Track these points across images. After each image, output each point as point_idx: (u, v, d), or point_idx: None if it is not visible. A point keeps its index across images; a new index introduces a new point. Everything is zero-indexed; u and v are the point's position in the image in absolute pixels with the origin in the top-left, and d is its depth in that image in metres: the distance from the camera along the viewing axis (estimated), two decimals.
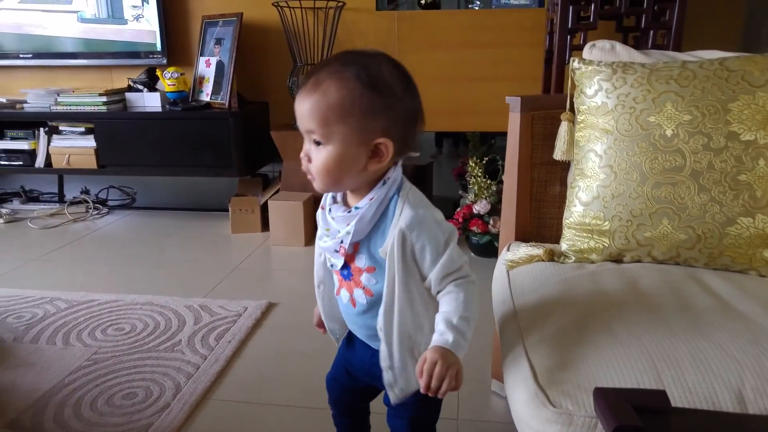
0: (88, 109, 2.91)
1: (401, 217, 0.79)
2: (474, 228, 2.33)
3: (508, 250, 1.23)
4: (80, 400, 1.45)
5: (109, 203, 3.36)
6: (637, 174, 1.06)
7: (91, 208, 3.23)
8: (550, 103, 1.30)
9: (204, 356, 1.66)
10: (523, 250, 1.18)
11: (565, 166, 1.28)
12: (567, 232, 1.14)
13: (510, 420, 1.36)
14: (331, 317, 1.00)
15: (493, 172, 2.45)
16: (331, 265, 0.89)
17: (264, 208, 2.82)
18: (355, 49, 0.80)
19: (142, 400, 1.45)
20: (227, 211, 2.88)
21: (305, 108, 0.76)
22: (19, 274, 2.35)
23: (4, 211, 3.14)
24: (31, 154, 3.00)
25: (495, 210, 2.33)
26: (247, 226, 2.86)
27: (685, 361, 0.73)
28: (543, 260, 1.13)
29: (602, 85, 1.14)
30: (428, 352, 0.78)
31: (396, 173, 0.82)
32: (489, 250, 2.36)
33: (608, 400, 0.58)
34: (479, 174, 2.38)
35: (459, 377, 0.78)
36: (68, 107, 2.94)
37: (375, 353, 0.89)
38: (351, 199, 0.85)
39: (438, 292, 0.83)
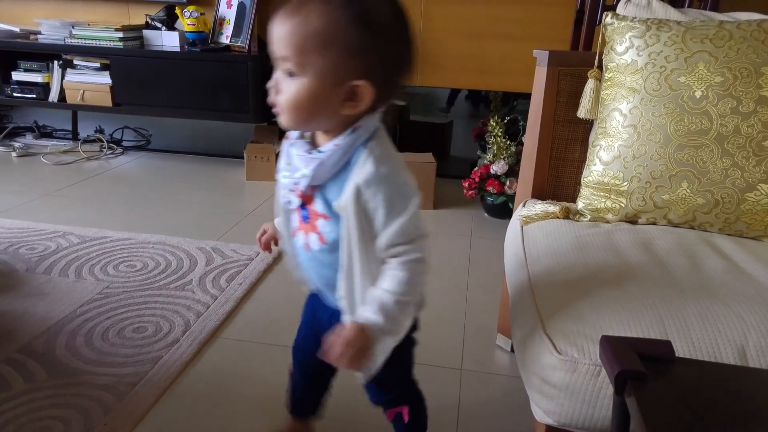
0: (103, 44, 2.86)
1: (361, 170, 0.71)
2: (490, 188, 2.32)
3: (523, 206, 1.22)
4: (92, 331, 1.48)
5: (124, 144, 3.36)
6: (661, 135, 1.03)
7: (105, 148, 3.24)
8: (578, 59, 1.26)
9: (214, 296, 1.68)
10: (539, 206, 1.17)
11: (587, 125, 1.25)
12: (584, 191, 1.13)
13: (513, 373, 1.39)
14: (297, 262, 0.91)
15: (514, 134, 2.42)
16: (288, 202, 0.82)
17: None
18: None
19: (152, 335, 1.48)
20: (242, 157, 2.88)
21: (282, 31, 0.68)
22: (33, 207, 2.38)
23: (17, 144, 3.15)
24: (45, 87, 2.98)
25: (512, 171, 2.30)
26: (262, 174, 2.86)
27: (692, 317, 0.73)
28: (558, 217, 1.12)
29: (634, 42, 1.10)
30: (348, 329, 0.72)
31: (369, 122, 0.73)
32: (503, 210, 2.35)
33: (613, 347, 0.58)
34: (499, 134, 2.35)
35: (362, 363, 0.72)
36: (83, 41, 2.88)
37: (334, 313, 0.83)
38: (320, 138, 0.77)
39: (384, 262, 0.76)
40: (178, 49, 2.84)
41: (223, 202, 2.56)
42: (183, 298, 1.66)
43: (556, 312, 0.79)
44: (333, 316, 0.84)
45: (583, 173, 1.14)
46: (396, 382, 0.94)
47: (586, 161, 1.15)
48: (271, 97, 0.72)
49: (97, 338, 1.45)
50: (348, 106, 0.71)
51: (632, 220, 1.10)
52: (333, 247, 0.78)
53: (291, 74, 0.69)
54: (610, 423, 0.60)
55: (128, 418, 1.18)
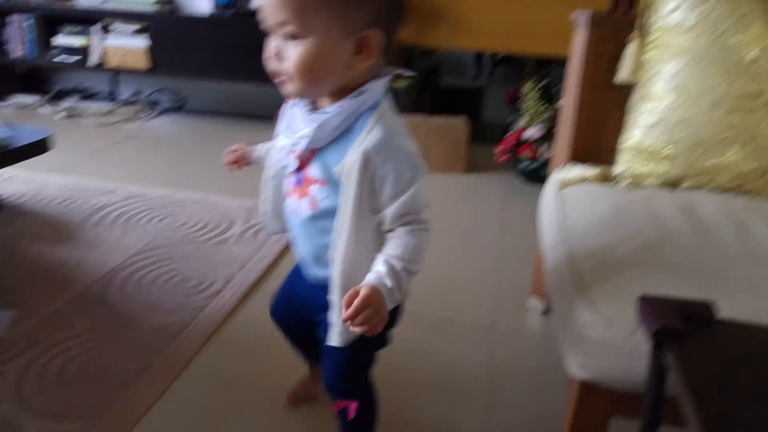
0: (139, 8, 2.91)
1: (369, 136, 0.69)
2: (524, 153, 2.32)
3: (560, 170, 1.23)
4: (141, 280, 1.57)
5: (160, 106, 3.43)
6: (710, 98, 1.03)
7: (143, 109, 3.31)
8: (618, 22, 1.25)
9: (255, 250, 1.75)
10: (577, 170, 1.18)
11: (627, 91, 1.24)
12: (624, 156, 1.13)
13: (544, 334, 1.43)
14: (276, 216, 0.89)
15: (549, 98, 2.40)
16: (284, 166, 0.81)
17: None
18: None
19: (196, 285, 1.55)
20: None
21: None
22: (79, 165, 2.47)
23: (62, 106, 3.25)
24: (85, 51, 3.06)
25: (547, 136, 2.29)
26: None
27: (737, 282, 0.74)
28: (596, 181, 1.13)
29: (683, 2, 1.09)
30: (364, 288, 0.68)
31: (376, 86, 0.71)
32: (536, 176, 2.35)
33: (652, 305, 0.60)
34: (535, 98, 2.33)
35: (379, 326, 0.69)
36: (119, 5, 2.94)
37: (314, 287, 0.83)
38: (323, 102, 0.74)
39: (388, 231, 0.74)
40: (209, 13, 2.87)
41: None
42: (224, 252, 1.73)
43: (593, 272, 0.81)
44: (312, 290, 0.84)
45: (622, 138, 1.14)
46: (357, 370, 0.88)
47: (625, 126, 1.15)
48: (273, 66, 0.68)
49: (146, 287, 1.53)
50: (360, 58, 0.68)
51: (673, 185, 1.10)
52: (324, 215, 0.75)
53: (294, 37, 0.66)
54: (646, 380, 0.63)
55: (179, 360, 1.26)
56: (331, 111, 0.71)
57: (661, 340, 0.58)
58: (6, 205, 2.00)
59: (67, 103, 3.34)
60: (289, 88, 0.69)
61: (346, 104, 0.70)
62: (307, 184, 0.77)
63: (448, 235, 1.96)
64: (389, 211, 0.72)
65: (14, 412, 1.09)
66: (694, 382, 0.53)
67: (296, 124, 0.76)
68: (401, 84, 2.83)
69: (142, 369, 1.22)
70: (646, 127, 1.10)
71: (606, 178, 1.14)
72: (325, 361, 0.88)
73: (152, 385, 1.18)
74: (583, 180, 1.14)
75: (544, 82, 2.38)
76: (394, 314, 0.83)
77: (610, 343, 0.72)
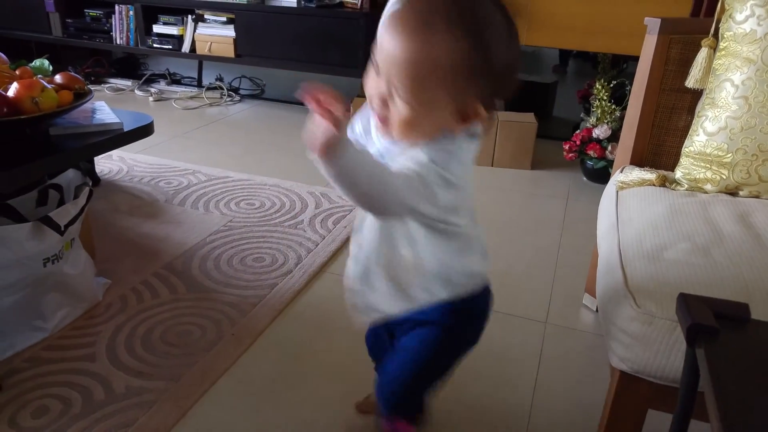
0: (230, 0, 3.10)
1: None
2: (591, 152, 2.31)
3: (621, 172, 1.25)
4: (219, 257, 1.71)
5: (241, 92, 3.62)
6: None
7: (225, 95, 3.51)
8: (691, 27, 1.25)
9: (322, 236, 1.86)
10: (636, 173, 1.20)
11: (695, 95, 1.25)
12: (684, 161, 1.15)
13: (596, 331, 1.46)
14: None
15: (620, 98, 2.37)
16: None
17: None
18: None
19: (269, 264, 1.68)
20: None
21: (400, 55, 0.61)
22: (166, 147, 2.67)
23: (153, 90, 3.51)
24: (179, 39, 3.29)
25: (615, 136, 2.28)
26: None
27: None
28: (655, 185, 1.15)
29: (755, 11, 1.09)
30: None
31: (455, 138, 0.69)
32: (602, 175, 2.34)
33: (689, 302, 0.64)
34: (605, 98, 2.32)
35: (320, 148, 0.63)
36: None
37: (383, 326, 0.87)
38: None
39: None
40: (294, 5, 3.00)
41: None
42: (295, 236, 1.86)
43: (640, 271, 0.85)
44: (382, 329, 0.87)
45: (685, 143, 1.16)
46: (426, 384, 0.87)
47: (689, 131, 1.16)
48: (377, 110, 0.67)
49: (224, 263, 1.67)
50: (461, 125, 0.67)
51: (732, 193, 1.11)
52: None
53: (406, 95, 0.64)
54: (681, 374, 0.67)
55: (251, 331, 1.38)
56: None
57: (694, 336, 0.62)
58: (103, 181, 2.21)
59: (157, 87, 3.60)
60: (391, 133, 0.69)
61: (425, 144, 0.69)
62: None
63: (509, 228, 2.00)
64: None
65: (106, 369, 1.24)
66: (720, 375, 0.57)
67: (372, 135, 0.75)
68: None
69: (218, 337, 1.35)
70: (709, 133, 1.11)
71: (665, 182, 1.15)
72: (383, 375, 0.87)
73: (227, 352, 1.31)
74: (642, 183, 1.17)
75: (615, 82, 2.36)
76: (459, 343, 0.86)
77: (650, 338, 0.76)
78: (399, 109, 0.65)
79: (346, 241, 1.85)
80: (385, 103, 0.66)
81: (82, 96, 1.35)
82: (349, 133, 0.78)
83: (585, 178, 2.46)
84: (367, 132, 0.77)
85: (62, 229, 1.25)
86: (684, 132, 1.20)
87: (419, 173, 0.66)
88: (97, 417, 1.12)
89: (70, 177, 1.39)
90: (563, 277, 1.70)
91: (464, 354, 0.88)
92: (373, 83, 0.67)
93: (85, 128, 1.35)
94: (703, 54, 1.19)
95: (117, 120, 1.39)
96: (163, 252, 1.72)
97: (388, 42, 0.62)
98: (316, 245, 1.80)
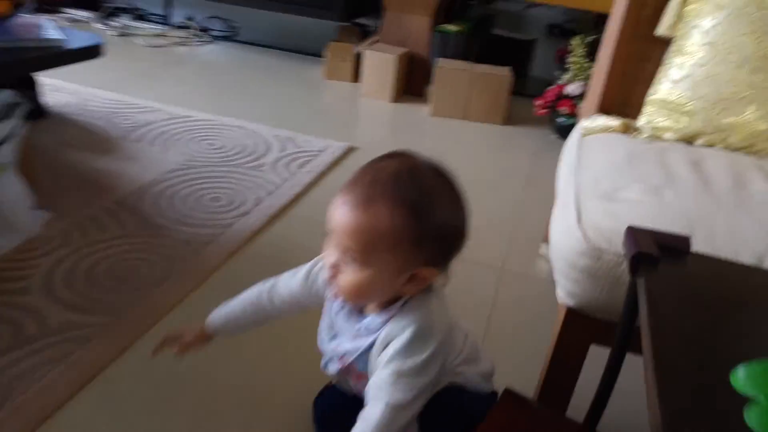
0: None
1: (396, 339, 0.70)
2: (562, 108, 2.29)
3: (587, 119, 1.23)
4: (174, 195, 1.65)
5: (212, 33, 3.48)
6: (738, 55, 1.01)
7: (194, 35, 3.37)
8: None
9: (285, 179, 1.82)
10: (601, 120, 1.18)
11: (666, 45, 1.22)
12: (648, 108, 1.13)
13: (549, 278, 1.45)
14: None
15: (595, 56, 2.33)
16: (325, 365, 0.81)
17: (359, 59, 2.85)
18: (411, 162, 0.69)
19: (226, 204, 1.63)
20: (322, 56, 2.93)
21: (350, 225, 0.66)
22: (127, 83, 2.56)
23: (115, 24, 3.33)
24: None
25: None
26: (340, 74, 2.92)
27: (720, 227, 0.77)
28: (618, 132, 1.13)
29: None
30: None
31: (421, 300, 0.72)
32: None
33: (635, 234, 0.63)
34: (581, 54, 2.28)
35: None
36: None
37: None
38: (368, 306, 0.76)
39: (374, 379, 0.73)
40: None
41: (300, 96, 2.66)
42: (256, 177, 1.80)
43: (593, 209, 0.84)
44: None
45: (649, 91, 1.13)
46: None
47: (654, 79, 1.14)
48: (328, 273, 0.70)
49: (179, 201, 1.62)
50: (409, 287, 0.70)
51: (689, 141, 1.09)
52: None
53: (352, 261, 0.68)
54: (623, 304, 0.67)
55: (202, 269, 1.35)
56: (377, 327, 0.73)
57: (637, 265, 0.61)
58: (52, 114, 2.11)
59: (120, 21, 3.42)
60: (339, 296, 0.73)
61: (389, 316, 0.72)
62: (352, 373, 0.78)
63: (474, 181, 1.96)
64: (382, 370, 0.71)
65: (42, 302, 1.17)
66: (657, 305, 0.56)
67: (339, 325, 0.78)
68: (452, 28, 2.80)
69: (167, 275, 1.30)
70: (673, 81, 1.08)
71: (628, 130, 1.14)
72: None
73: (175, 289, 1.27)
74: (605, 129, 1.15)
75: (592, 38, 2.32)
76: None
77: (597, 273, 0.75)
78: (349, 272, 0.69)
79: (310, 185, 1.81)
80: (337, 268, 0.70)
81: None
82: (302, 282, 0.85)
83: (555, 136, 2.44)
84: (333, 326, 0.80)
85: None
86: (651, 82, 1.18)
87: (425, 382, 0.70)
88: (28, 351, 1.05)
89: (1, 97, 1.30)
90: (523, 229, 1.69)
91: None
92: (328, 249, 0.71)
93: (23, 42, 1.26)
94: (675, 0, 1.15)
95: (60, 37, 1.30)
96: (114, 188, 1.66)
97: (338, 213, 0.68)
98: (277, 187, 1.76)
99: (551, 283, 1.43)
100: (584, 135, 1.17)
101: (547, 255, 1.53)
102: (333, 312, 0.80)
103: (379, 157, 0.71)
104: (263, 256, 1.44)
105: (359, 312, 0.76)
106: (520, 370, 1.14)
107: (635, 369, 0.68)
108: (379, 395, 0.70)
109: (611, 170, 0.95)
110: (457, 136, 2.39)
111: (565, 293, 0.81)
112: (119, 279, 1.27)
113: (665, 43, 1.21)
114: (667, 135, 1.10)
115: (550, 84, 2.54)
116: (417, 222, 0.66)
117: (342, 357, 0.77)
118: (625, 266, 0.74)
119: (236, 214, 1.59)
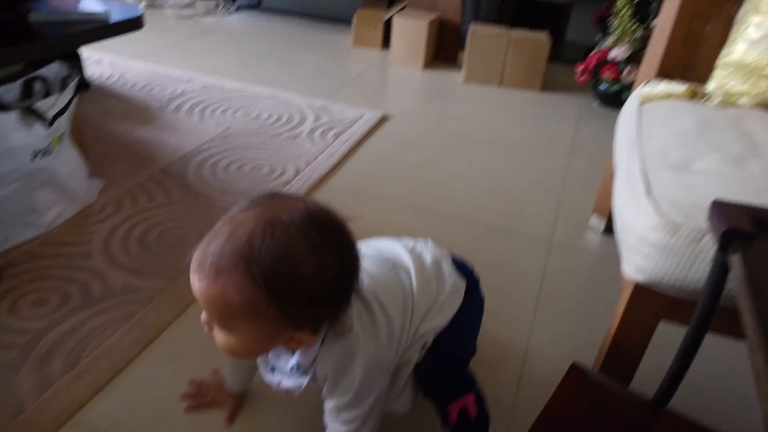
0: None
1: (327, 365, 0.71)
2: (605, 74, 2.21)
3: (645, 85, 1.18)
4: (216, 164, 1.65)
5: (238, 2, 3.43)
6: None
7: (220, 4, 3.32)
8: None
9: (322, 149, 1.79)
10: (663, 86, 1.12)
11: (733, 1, 1.15)
12: (720, 72, 1.07)
13: (601, 251, 1.43)
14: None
15: (643, 18, 2.24)
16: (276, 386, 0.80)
17: (388, 26, 2.78)
18: (272, 215, 0.60)
19: (266, 174, 1.62)
20: (350, 23, 2.87)
21: (202, 295, 0.61)
22: (160, 54, 2.54)
23: None
24: None
25: (634, 58, 2.16)
26: (369, 41, 2.86)
27: None
28: (683, 98, 1.08)
29: None
30: None
31: (336, 336, 0.69)
32: (615, 100, 2.25)
33: (724, 208, 0.60)
34: (628, 14, 2.18)
35: None
36: None
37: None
38: None
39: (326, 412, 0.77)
40: None
41: (329, 64, 2.61)
42: (294, 147, 1.79)
43: (664, 181, 0.80)
44: None
45: (722, 52, 1.07)
46: (467, 356, 0.88)
47: (728, 40, 1.07)
48: (207, 330, 0.66)
49: (221, 170, 1.62)
50: (291, 345, 0.67)
51: None
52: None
53: (218, 325, 0.64)
54: (705, 281, 0.63)
55: None
56: (305, 365, 0.72)
57: (727, 241, 0.58)
58: (94, 86, 2.11)
59: None
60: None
61: (313, 357, 0.71)
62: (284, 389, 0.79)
63: (515, 149, 1.94)
64: (327, 402, 0.75)
65: (103, 266, 1.21)
66: (756, 282, 0.53)
67: (271, 361, 0.77)
68: None
69: None
70: (750, 41, 1.02)
71: (695, 95, 1.08)
72: (435, 366, 0.83)
73: None
74: (668, 96, 1.09)
75: None
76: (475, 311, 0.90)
77: (673, 248, 0.72)
78: (220, 334, 0.64)
79: (346, 155, 1.78)
80: (210, 324, 0.65)
81: None
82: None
83: (596, 104, 2.36)
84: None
85: (49, 120, 1.18)
86: (720, 43, 1.12)
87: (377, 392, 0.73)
88: (96, 310, 1.10)
89: (56, 70, 1.30)
90: (570, 198, 1.65)
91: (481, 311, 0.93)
92: (202, 313, 0.66)
93: (68, 16, 1.25)
94: None
95: (102, 9, 1.29)
96: (157, 157, 1.66)
97: (192, 278, 0.62)
98: (315, 158, 1.74)
99: (602, 256, 1.41)
100: (643, 102, 1.12)
101: (597, 227, 1.50)
102: None
103: (242, 206, 0.62)
104: None
105: (288, 353, 0.73)
106: (574, 343, 1.13)
107: (705, 347, 0.66)
108: (333, 427, 0.75)
109: (680, 140, 0.90)
110: (493, 103, 2.33)
111: (633, 268, 0.78)
112: (169, 245, 1.29)
113: (734, 0, 1.14)
114: (743, 101, 1.04)
115: (589, 49, 2.45)
116: (272, 296, 0.58)
117: (288, 392, 0.77)
118: (705, 241, 0.70)
119: (278, 183, 1.58)
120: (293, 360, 0.72)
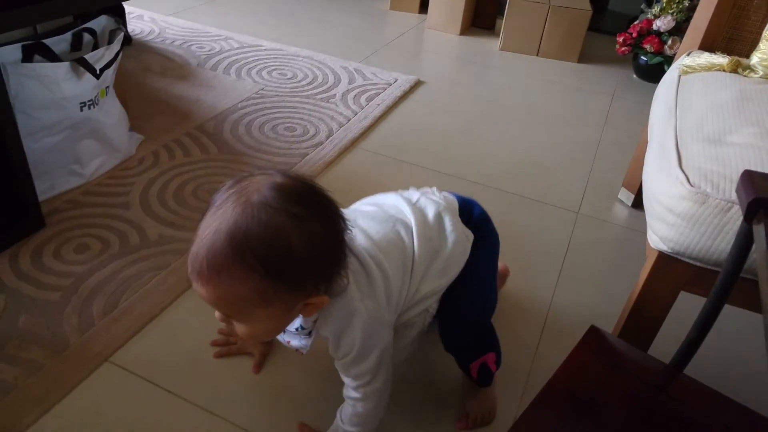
0: None
1: (331, 327, 0.73)
2: (647, 46, 2.15)
3: (687, 56, 1.16)
4: (251, 123, 1.68)
5: None
6: None
7: None
8: None
9: (355, 112, 1.81)
10: (705, 57, 1.10)
11: None
12: (764, 44, 1.04)
13: (629, 225, 1.43)
14: None
15: None
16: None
17: None
18: (254, 199, 0.60)
19: (300, 134, 1.65)
20: None
21: (210, 298, 0.63)
22: (199, 11, 2.56)
23: None
24: None
25: (678, 30, 2.10)
26: (406, 5, 2.83)
27: None
28: (725, 70, 1.06)
29: None
30: None
31: (336, 299, 0.71)
32: (655, 73, 2.19)
33: (753, 177, 0.60)
34: None
35: None
36: None
37: None
38: None
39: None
40: None
41: (366, 27, 2.60)
42: (327, 109, 1.81)
43: (697, 152, 0.80)
44: None
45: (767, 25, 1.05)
46: (487, 308, 0.90)
47: None
48: (226, 328, 0.69)
49: (255, 129, 1.65)
50: (307, 312, 0.68)
51: None
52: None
53: (233, 319, 0.66)
54: (729, 251, 0.64)
55: None
56: (307, 327, 0.75)
57: (754, 211, 0.58)
58: (135, 41, 2.15)
59: None
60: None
61: (314, 318, 0.73)
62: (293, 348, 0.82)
63: (548, 120, 1.92)
64: (338, 364, 0.78)
65: (140, 217, 1.27)
66: None
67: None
68: None
69: None
70: None
71: (738, 68, 1.06)
72: (455, 328, 0.86)
73: None
74: (710, 67, 1.07)
75: None
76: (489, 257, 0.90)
77: (700, 218, 0.73)
78: (239, 327, 0.66)
79: (379, 118, 1.80)
80: (226, 319, 0.67)
81: None
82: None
83: (635, 76, 2.31)
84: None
85: (97, 72, 1.22)
86: (767, 15, 1.09)
87: (381, 351, 0.75)
88: (134, 258, 1.16)
89: (103, 23, 1.34)
90: (600, 171, 1.64)
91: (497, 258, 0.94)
92: (216, 314, 0.68)
93: None
94: None
95: None
96: (194, 113, 1.70)
97: (200, 289, 0.63)
98: (348, 120, 1.75)
99: (629, 230, 1.41)
100: (683, 74, 1.10)
101: (626, 200, 1.49)
102: None
103: (213, 206, 0.64)
104: (335, 188, 1.45)
105: None
106: (594, 311, 1.14)
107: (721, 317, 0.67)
108: (347, 393, 0.79)
109: (718, 112, 0.89)
110: (529, 72, 2.30)
111: (658, 237, 0.79)
112: (203, 200, 1.33)
113: None
114: None
115: (631, 20, 2.39)
116: (273, 275, 0.60)
117: (297, 350, 0.80)
118: (732, 213, 0.71)
119: (310, 144, 1.61)
120: (296, 322, 0.74)
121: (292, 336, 0.79)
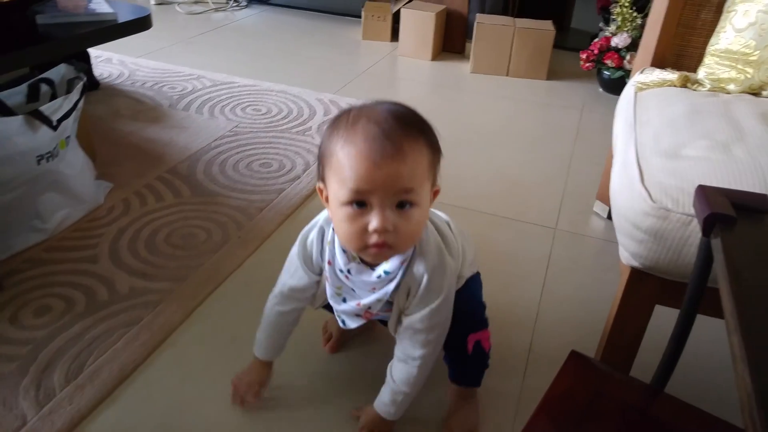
0: None
1: (416, 283, 0.77)
2: (608, 61, 2.21)
3: (641, 73, 1.19)
4: (225, 161, 1.69)
5: None
6: None
7: (230, 0, 3.36)
8: None
9: None
10: (657, 74, 1.14)
11: None
12: (709, 60, 1.08)
13: (606, 237, 1.45)
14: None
15: (642, 7, 2.24)
16: (342, 322, 0.85)
17: (396, 18, 2.80)
18: (384, 103, 0.73)
19: (276, 170, 1.66)
20: (359, 17, 2.89)
21: (398, 171, 0.66)
22: (170, 51, 2.58)
23: None
24: None
25: (634, 45, 2.17)
26: (378, 34, 2.88)
27: None
28: (675, 85, 1.09)
29: None
30: (371, 413, 0.88)
31: (426, 243, 0.78)
32: (619, 86, 2.23)
33: (707, 193, 0.62)
34: (627, 4, 2.19)
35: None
36: None
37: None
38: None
39: (401, 335, 0.82)
40: None
41: (339, 58, 2.64)
42: (303, 142, 1.82)
43: (656, 167, 0.82)
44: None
45: (711, 41, 1.09)
46: (480, 301, 0.95)
47: (716, 29, 1.09)
48: (380, 239, 0.68)
49: (230, 168, 1.65)
50: (432, 201, 0.75)
51: (755, 93, 1.05)
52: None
53: (410, 204, 0.69)
54: (694, 265, 0.66)
55: (257, 235, 1.38)
56: (395, 270, 0.77)
57: (711, 225, 0.60)
58: (103, 85, 2.16)
59: None
60: (395, 251, 0.72)
61: (403, 259, 0.77)
62: (370, 315, 0.84)
63: (521, 138, 1.95)
64: (406, 321, 0.80)
65: (109, 270, 1.22)
66: (736, 266, 0.55)
67: (350, 284, 0.80)
68: None
69: (224, 240, 1.34)
70: (737, 29, 1.04)
71: (687, 83, 1.10)
72: (465, 299, 0.88)
73: (233, 255, 1.30)
74: (662, 83, 1.11)
75: None
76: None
77: (664, 233, 0.74)
78: (407, 217, 0.69)
79: None
80: (393, 226, 0.68)
81: None
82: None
83: (601, 89, 2.37)
84: (340, 287, 0.83)
85: (54, 123, 1.20)
86: (710, 31, 1.13)
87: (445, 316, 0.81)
88: (101, 316, 1.11)
89: (62, 72, 1.33)
90: (575, 186, 1.67)
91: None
92: (370, 216, 0.68)
93: (75, 17, 1.28)
94: None
95: (110, 10, 1.32)
96: (167, 156, 1.70)
97: (380, 171, 0.66)
98: None
99: (606, 242, 1.44)
100: (639, 90, 1.14)
101: (601, 213, 1.52)
102: (338, 276, 0.80)
103: (351, 112, 0.72)
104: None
105: (369, 267, 0.78)
106: (578, 330, 1.15)
107: (698, 329, 0.68)
108: (408, 352, 0.81)
109: (672, 126, 0.92)
110: (501, 92, 2.35)
111: (629, 254, 0.80)
112: (178, 246, 1.31)
113: None
114: (731, 87, 1.05)
115: (592, 37, 2.45)
116: (433, 145, 0.72)
117: (367, 311, 0.81)
118: (693, 226, 0.73)
119: (286, 179, 1.62)
120: (381, 268, 0.76)
121: (364, 294, 0.80)
